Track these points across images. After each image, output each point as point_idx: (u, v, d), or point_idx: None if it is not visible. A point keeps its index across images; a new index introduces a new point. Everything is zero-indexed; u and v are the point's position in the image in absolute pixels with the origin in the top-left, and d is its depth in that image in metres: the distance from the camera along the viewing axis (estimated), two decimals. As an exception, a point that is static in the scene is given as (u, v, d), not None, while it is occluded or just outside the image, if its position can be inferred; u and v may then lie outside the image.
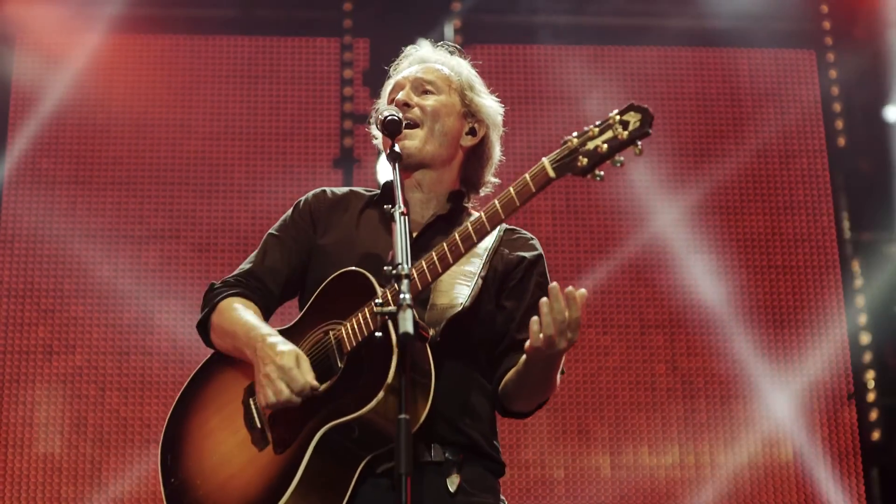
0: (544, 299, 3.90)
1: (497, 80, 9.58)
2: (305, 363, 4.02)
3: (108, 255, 9.27)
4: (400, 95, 4.47)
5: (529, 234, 4.53)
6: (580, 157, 3.79)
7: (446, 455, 4.13)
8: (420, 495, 4.04)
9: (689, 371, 9.34)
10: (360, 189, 4.67)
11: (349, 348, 4.02)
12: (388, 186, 4.44)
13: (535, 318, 3.91)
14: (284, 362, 3.99)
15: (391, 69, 4.76)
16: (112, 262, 9.26)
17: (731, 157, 9.72)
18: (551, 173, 3.83)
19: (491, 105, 4.59)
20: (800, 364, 9.38)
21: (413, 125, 4.40)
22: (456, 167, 4.52)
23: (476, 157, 4.57)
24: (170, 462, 4.42)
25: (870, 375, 9.44)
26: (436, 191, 4.48)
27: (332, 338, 4.08)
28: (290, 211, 4.64)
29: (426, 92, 4.50)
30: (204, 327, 4.46)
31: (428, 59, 4.66)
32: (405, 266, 3.67)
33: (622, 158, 3.77)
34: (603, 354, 9.31)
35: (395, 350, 3.82)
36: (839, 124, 9.92)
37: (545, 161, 3.84)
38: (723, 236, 9.59)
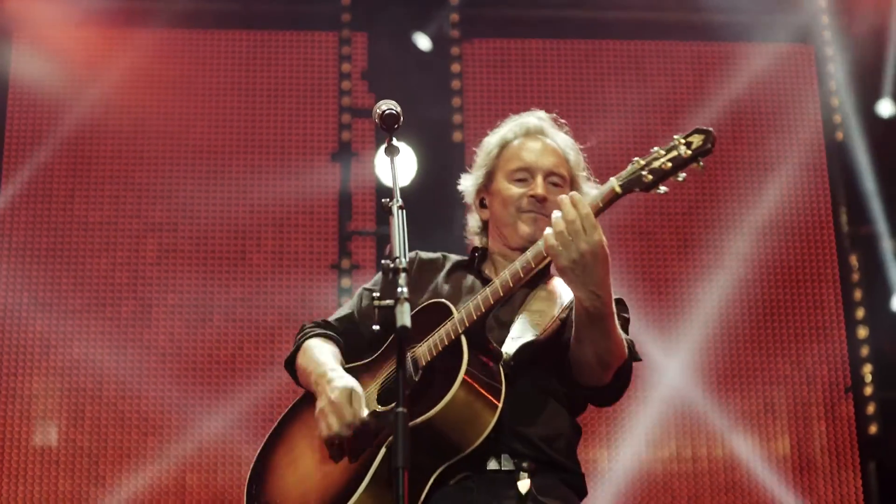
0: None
1: (495, 73, 9.60)
2: (358, 399, 4.21)
3: (105, 247, 9.27)
4: (539, 190, 4.57)
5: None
6: (645, 174, 3.98)
7: (516, 462, 4.20)
8: (490, 499, 4.13)
9: (685, 365, 9.33)
10: (451, 255, 4.84)
11: (424, 363, 4.19)
12: (475, 251, 4.71)
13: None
14: (335, 397, 4.20)
15: (497, 133, 4.87)
16: (110, 255, 9.27)
17: (729, 152, 9.72)
18: (618, 190, 4.01)
19: (591, 192, 4.62)
20: (797, 358, 9.39)
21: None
22: None
23: None
24: (255, 490, 4.54)
25: (867, 369, 9.44)
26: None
27: (409, 357, 4.22)
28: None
29: (556, 185, 4.62)
30: (291, 365, 4.71)
31: (550, 138, 4.79)
32: (402, 260, 3.74)
33: (685, 175, 3.97)
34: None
35: (465, 358, 4.04)
36: (837, 119, 9.92)
37: (613, 181, 4.04)
38: (720, 229, 9.59)
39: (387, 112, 4.27)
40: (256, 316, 9.15)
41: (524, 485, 4.16)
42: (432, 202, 8.41)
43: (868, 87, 9.99)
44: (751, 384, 9.32)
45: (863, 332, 9.51)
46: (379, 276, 4.76)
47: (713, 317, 9.43)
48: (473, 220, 4.86)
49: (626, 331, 4.39)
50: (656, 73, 9.82)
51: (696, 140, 3.96)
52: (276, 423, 4.66)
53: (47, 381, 9.03)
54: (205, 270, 9.22)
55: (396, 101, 4.36)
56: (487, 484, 4.13)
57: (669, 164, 3.96)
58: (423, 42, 9.60)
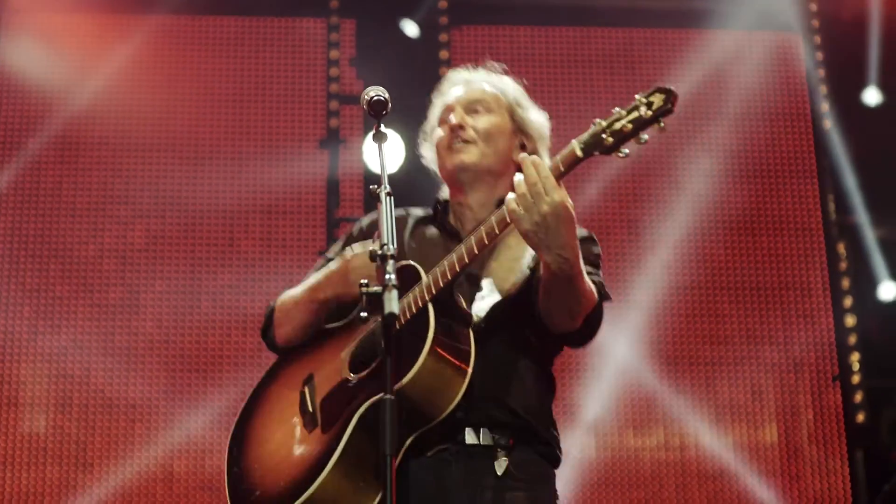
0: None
1: (483, 60, 9.58)
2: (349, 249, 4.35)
3: (93, 235, 9.26)
4: (452, 118, 4.56)
5: (584, 231, 4.55)
6: (605, 137, 3.89)
7: (495, 438, 4.18)
8: (468, 478, 4.11)
9: (673, 352, 9.35)
10: (414, 209, 4.80)
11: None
12: (442, 204, 4.66)
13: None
14: (357, 250, 4.31)
15: (433, 94, 4.86)
16: (97, 243, 9.26)
17: (716, 140, 9.73)
18: (578, 153, 3.93)
19: (538, 119, 4.73)
20: (785, 346, 9.41)
21: (467, 143, 4.52)
22: (508, 180, 4.53)
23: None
24: (235, 453, 4.51)
25: (855, 357, 9.46)
26: (488, 205, 4.56)
27: (380, 324, 4.14)
28: (345, 236, 4.80)
29: (476, 112, 4.60)
30: (266, 333, 4.68)
31: (474, 80, 4.76)
32: (390, 247, 3.71)
33: (646, 136, 3.92)
34: (588, 336, 9.30)
35: (431, 326, 4.00)
36: (825, 107, 9.93)
37: (574, 143, 3.95)
38: (708, 219, 9.60)
39: (375, 98, 4.25)
40: (244, 302, 9.14)
41: (501, 465, 4.14)
42: (420, 188, 8.39)
43: (855, 76, 10.00)
44: (738, 372, 9.34)
45: (850, 321, 9.53)
46: (337, 244, 4.75)
47: (701, 306, 9.44)
48: (435, 169, 4.83)
49: (597, 266, 4.41)
50: (644, 60, 9.82)
51: (658, 100, 3.93)
52: (255, 386, 4.63)
53: (35, 368, 9.02)
54: (193, 257, 9.21)
55: (384, 88, 4.37)
56: (465, 459, 4.12)
57: (630, 126, 3.91)
58: (410, 29, 9.59)
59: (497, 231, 4.02)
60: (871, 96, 9.95)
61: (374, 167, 8.56)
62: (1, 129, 9.44)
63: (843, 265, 9.65)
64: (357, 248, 4.32)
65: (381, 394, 3.78)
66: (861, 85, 9.97)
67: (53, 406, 8.98)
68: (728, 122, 9.79)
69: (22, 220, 9.27)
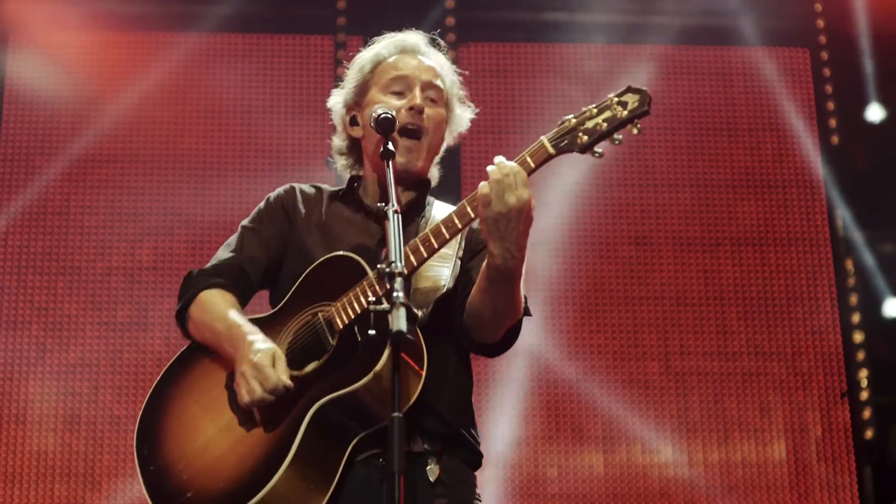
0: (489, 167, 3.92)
1: (491, 77, 9.57)
2: (281, 363, 4.07)
3: (101, 252, 9.27)
4: (418, 100, 4.51)
5: None
6: (580, 135, 3.86)
7: (425, 446, 4.16)
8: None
9: (682, 369, 9.34)
10: (324, 186, 4.76)
11: (341, 326, 4.07)
12: (353, 181, 4.63)
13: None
14: (259, 360, 4.05)
15: (377, 43, 4.89)
16: (106, 260, 9.26)
17: (725, 156, 9.73)
18: (551, 150, 3.89)
19: (463, 117, 4.72)
20: (793, 362, 9.39)
21: (417, 134, 4.48)
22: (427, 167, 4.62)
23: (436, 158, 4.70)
24: (147, 451, 4.34)
25: (863, 374, 9.45)
26: (410, 180, 4.56)
27: (321, 318, 4.14)
28: (261, 204, 4.69)
29: (432, 101, 4.57)
30: (182, 317, 4.52)
31: (427, 58, 4.72)
32: (398, 264, 3.67)
33: (620, 137, 3.84)
34: (596, 353, 9.31)
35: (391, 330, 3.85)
36: (833, 122, 9.93)
37: (544, 139, 3.91)
38: (716, 234, 9.60)
39: (382, 116, 4.26)
40: (252, 320, 9.13)
41: (433, 471, 4.13)
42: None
43: (862, 91, 10.00)
44: (747, 389, 9.32)
45: (859, 337, 9.52)
46: (257, 211, 4.66)
47: (709, 321, 9.43)
48: (339, 140, 4.81)
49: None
50: (651, 76, 9.81)
51: (632, 101, 3.86)
52: (161, 375, 4.52)
53: (43, 385, 9.02)
54: (201, 275, 9.21)
55: (391, 105, 4.40)
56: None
57: (605, 125, 3.85)
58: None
59: (459, 225, 3.99)
60: (875, 113, 9.93)
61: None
62: (9, 146, 9.45)
63: (851, 281, 9.64)
64: (263, 346, 4.12)
65: (340, 390, 3.86)
66: (868, 100, 9.95)
67: (62, 423, 8.97)
68: (736, 137, 9.79)
69: (30, 238, 9.28)
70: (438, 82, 4.61)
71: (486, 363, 8.79)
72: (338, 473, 4.01)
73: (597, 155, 3.86)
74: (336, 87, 4.87)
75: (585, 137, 3.86)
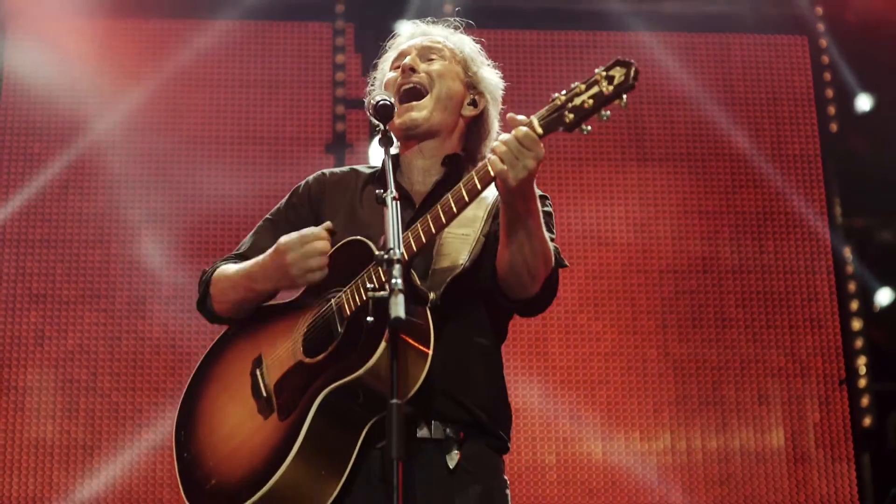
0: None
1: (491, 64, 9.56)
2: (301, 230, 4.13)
3: (99, 239, 9.26)
4: (406, 60, 4.52)
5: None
6: (566, 113, 3.79)
7: (447, 432, 4.13)
8: (419, 472, 4.05)
9: (680, 357, 9.34)
10: (360, 167, 4.70)
11: (349, 313, 4.05)
12: (393, 158, 4.41)
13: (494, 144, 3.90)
14: (288, 243, 4.11)
15: (387, 42, 4.80)
16: (104, 247, 9.25)
17: (723, 143, 9.72)
18: (539, 130, 3.83)
19: (492, 79, 4.67)
20: (792, 350, 9.40)
21: (419, 93, 4.46)
22: (457, 136, 4.56)
23: (476, 128, 4.62)
24: (183, 438, 4.39)
25: (861, 361, 9.46)
26: (437, 157, 4.51)
27: (333, 304, 4.12)
28: (288, 195, 4.69)
29: (431, 59, 4.55)
30: (204, 304, 4.56)
31: (431, 32, 4.72)
32: (396, 251, 3.65)
33: (608, 113, 3.77)
34: (594, 339, 9.31)
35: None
36: (831, 110, 9.93)
37: (533, 118, 3.86)
38: (715, 222, 9.60)
39: (380, 103, 4.24)
40: (251, 308, 9.12)
41: (453, 458, 4.10)
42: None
43: (861, 78, 9.99)
44: (745, 376, 9.33)
45: (857, 324, 9.52)
46: (281, 204, 4.68)
47: (707, 310, 9.43)
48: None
49: (550, 226, 4.28)
50: (651, 63, 9.80)
51: (618, 74, 3.77)
52: (198, 364, 4.53)
53: (41, 373, 9.02)
54: (199, 262, 9.19)
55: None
56: (416, 452, 4.05)
57: (591, 102, 3.76)
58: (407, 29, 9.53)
59: (479, 187, 3.93)
60: (864, 103, 9.93)
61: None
62: (7, 134, 9.44)
63: (850, 269, 9.64)
64: (287, 237, 4.16)
65: (345, 378, 3.84)
66: (867, 87, 9.96)
67: (60, 411, 8.97)
68: (734, 125, 9.79)
69: (28, 225, 9.28)
70: (435, 43, 4.61)
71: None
72: (351, 460, 4.00)
73: (584, 131, 3.79)
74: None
75: (572, 115, 3.79)
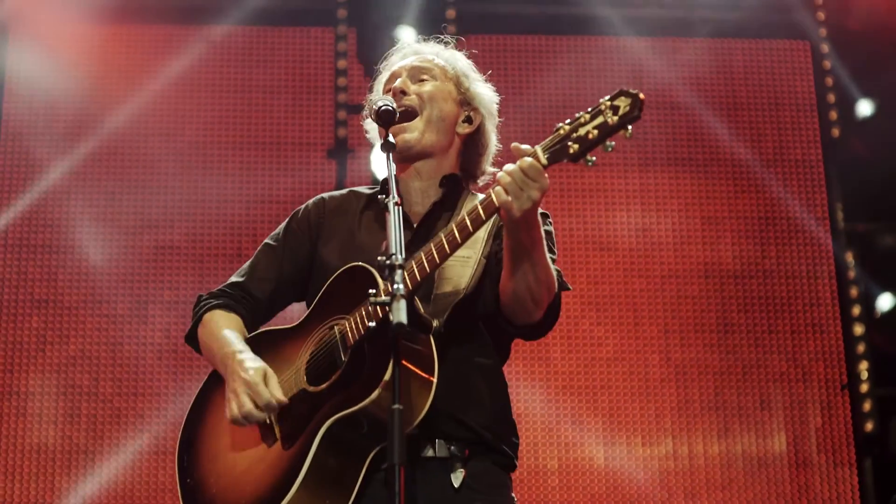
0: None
1: (490, 70, 9.58)
2: (273, 380, 4.12)
3: (101, 244, 9.26)
4: (397, 83, 4.50)
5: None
6: (570, 144, 3.75)
7: (451, 450, 4.11)
8: (424, 491, 4.04)
9: (682, 362, 9.34)
10: (360, 189, 4.69)
11: (352, 341, 4.03)
12: (384, 183, 4.42)
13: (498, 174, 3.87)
14: (250, 377, 4.10)
15: (380, 63, 4.78)
16: (106, 252, 9.25)
17: (725, 148, 9.72)
18: (543, 161, 3.80)
19: (486, 94, 4.62)
20: (794, 354, 9.40)
21: (411, 114, 4.42)
22: (454, 155, 4.54)
23: (473, 145, 4.59)
24: (186, 463, 4.40)
25: (863, 366, 9.45)
26: (434, 178, 4.49)
27: (336, 332, 4.10)
28: (287, 220, 4.66)
29: (422, 80, 4.52)
30: (192, 340, 4.57)
31: (422, 51, 4.68)
32: (398, 256, 3.65)
33: (613, 143, 3.74)
34: (596, 345, 9.31)
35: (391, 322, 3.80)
36: (833, 115, 9.93)
37: (537, 149, 3.82)
38: (717, 226, 9.60)
39: (382, 108, 4.24)
40: (252, 313, 9.12)
41: (458, 477, 4.08)
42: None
43: (863, 83, 9.99)
44: (747, 381, 9.33)
45: (859, 329, 9.52)
46: (280, 229, 4.63)
47: (709, 314, 9.43)
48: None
49: (551, 246, 4.26)
50: (652, 69, 9.80)
51: (623, 104, 3.73)
52: (202, 386, 4.52)
53: (43, 378, 9.02)
54: (201, 267, 9.21)
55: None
56: (420, 472, 4.04)
57: (596, 133, 3.73)
58: (406, 34, 9.50)
59: (483, 217, 3.89)
60: (865, 108, 9.93)
61: (383, 177, 8.53)
62: (10, 138, 9.45)
63: (852, 273, 9.64)
64: (253, 364, 4.18)
65: (349, 408, 3.83)
66: (870, 93, 9.95)
67: (62, 416, 8.97)
68: (737, 129, 9.79)
69: (30, 230, 9.28)
70: (425, 63, 4.58)
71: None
72: (355, 489, 3.99)
73: (589, 163, 3.78)
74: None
75: (576, 146, 3.75)
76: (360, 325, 4.01)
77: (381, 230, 4.38)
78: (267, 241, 4.65)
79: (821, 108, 9.95)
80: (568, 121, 3.81)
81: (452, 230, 3.93)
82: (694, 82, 9.87)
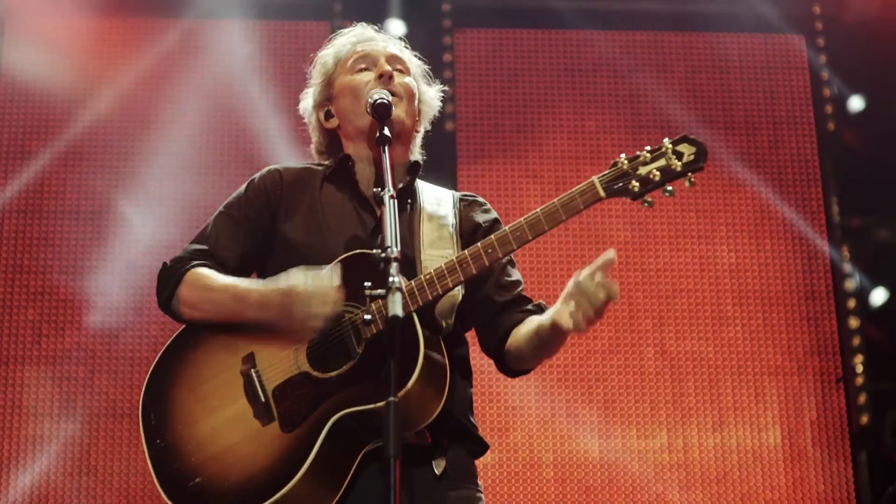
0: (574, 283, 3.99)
1: (486, 63, 9.56)
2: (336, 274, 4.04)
3: (97, 235, 9.25)
4: (386, 67, 4.49)
5: (482, 199, 4.60)
6: (633, 182, 3.83)
7: (433, 439, 4.14)
8: (407, 478, 4.03)
9: (677, 355, 9.35)
10: (313, 164, 4.68)
11: (369, 335, 4.01)
12: (344, 160, 4.49)
13: (567, 304, 3.97)
14: (307, 291, 4.02)
15: (337, 47, 4.79)
16: (102, 243, 9.24)
17: (720, 143, 9.72)
18: (601, 193, 3.88)
19: (434, 99, 4.71)
20: (788, 348, 9.40)
21: (398, 101, 4.44)
22: (409, 146, 4.59)
23: (415, 139, 4.65)
24: (154, 422, 4.31)
25: (858, 360, 9.46)
26: (401, 165, 4.52)
27: (348, 321, 4.06)
28: (242, 189, 4.67)
29: (399, 71, 4.56)
30: (169, 306, 4.43)
31: (388, 39, 4.73)
32: (394, 249, 3.65)
33: (672, 189, 3.82)
34: (591, 338, 9.31)
35: (421, 346, 3.88)
36: (828, 109, 9.93)
37: (595, 180, 3.88)
38: (712, 220, 9.60)
39: (378, 102, 4.25)
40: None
41: (439, 465, 4.12)
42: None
43: (858, 77, 9.99)
44: (742, 374, 9.33)
45: (854, 323, 9.53)
46: (234, 197, 4.64)
47: (705, 308, 9.44)
48: (317, 139, 4.70)
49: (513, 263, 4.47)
50: (648, 63, 9.81)
51: (688, 152, 3.85)
52: (169, 343, 4.43)
53: (39, 370, 9.01)
54: (196, 259, 9.19)
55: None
56: (403, 460, 3.90)
57: (658, 175, 3.83)
58: (396, 28, 9.50)
59: (530, 236, 4.08)
60: (856, 103, 9.94)
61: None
62: (4, 132, 9.44)
63: (847, 267, 9.65)
64: (301, 276, 4.08)
65: (365, 405, 3.85)
66: (864, 87, 9.96)
67: (57, 409, 8.96)
68: (732, 124, 9.79)
69: (26, 223, 9.27)
70: (403, 54, 4.64)
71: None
72: (349, 476, 4.00)
73: (646, 204, 3.84)
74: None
75: (638, 185, 3.83)
76: (381, 322, 3.96)
77: (344, 211, 4.39)
78: (224, 210, 4.64)
79: (816, 102, 9.94)
80: (626, 156, 3.86)
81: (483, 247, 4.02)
82: (689, 75, 9.87)
